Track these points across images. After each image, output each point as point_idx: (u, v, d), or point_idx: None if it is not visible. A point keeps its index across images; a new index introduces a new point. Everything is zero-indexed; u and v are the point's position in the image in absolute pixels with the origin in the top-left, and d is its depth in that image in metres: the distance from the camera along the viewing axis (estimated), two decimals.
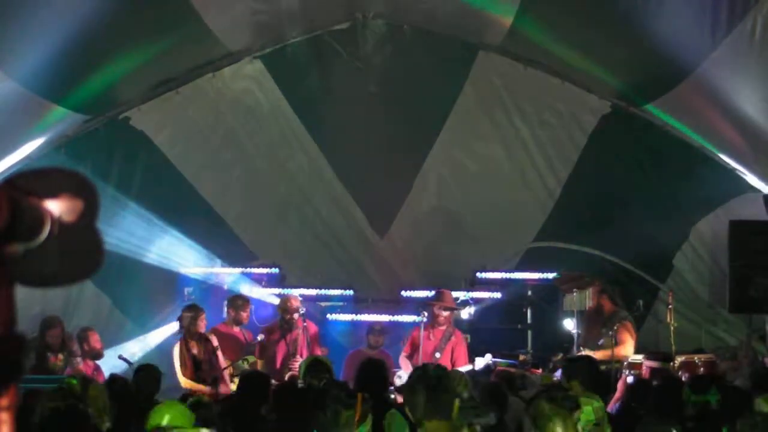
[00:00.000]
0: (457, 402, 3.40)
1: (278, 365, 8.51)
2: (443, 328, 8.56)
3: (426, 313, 8.59)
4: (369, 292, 10.24)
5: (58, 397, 4.21)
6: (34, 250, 1.23)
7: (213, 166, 10.12)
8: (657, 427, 3.72)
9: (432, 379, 3.46)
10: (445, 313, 8.54)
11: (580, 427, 4.09)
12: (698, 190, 9.31)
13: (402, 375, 8.40)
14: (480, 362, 8.23)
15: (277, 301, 9.53)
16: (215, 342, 8.21)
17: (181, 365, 8.12)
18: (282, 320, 8.74)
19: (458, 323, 9.18)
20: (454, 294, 9.36)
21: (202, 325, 8.23)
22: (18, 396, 1.22)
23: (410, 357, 8.62)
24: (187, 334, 8.22)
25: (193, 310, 8.31)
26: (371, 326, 9.32)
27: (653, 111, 8.91)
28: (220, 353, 8.20)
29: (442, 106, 9.83)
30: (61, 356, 8.63)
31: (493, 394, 5.48)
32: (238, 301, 8.97)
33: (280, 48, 9.60)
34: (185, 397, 5.78)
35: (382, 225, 10.31)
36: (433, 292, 8.97)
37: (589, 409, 4.20)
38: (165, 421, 4.32)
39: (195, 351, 8.18)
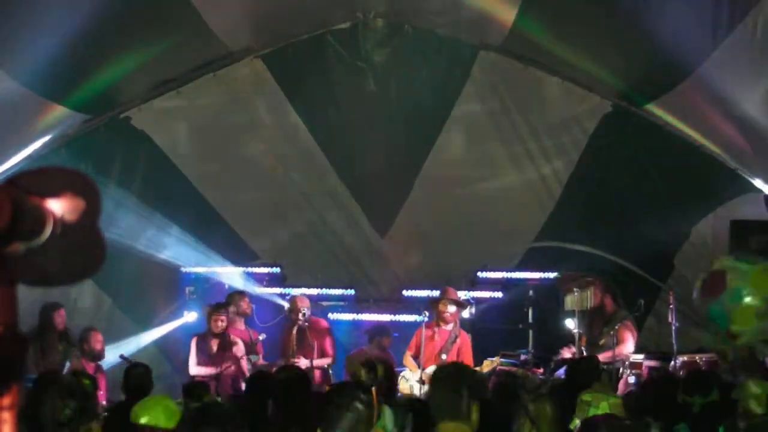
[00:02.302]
0: (476, 406, 3.37)
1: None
2: (449, 328, 8.48)
3: (428, 313, 8.54)
4: (370, 292, 10.26)
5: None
6: (36, 249, 1.23)
7: (214, 165, 10.13)
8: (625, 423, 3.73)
9: (454, 381, 3.42)
10: (452, 310, 8.44)
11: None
12: (699, 190, 9.32)
13: (407, 375, 8.37)
14: (487, 366, 8.16)
15: (278, 300, 9.57)
16: (239, 347, 8.46)
17: (196, 356, 8.48)
18: (289, 319, 8.83)
19: (459, 323, 9.17)
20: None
21: (216, 325, 8.43)
22: (20, 395, 1.22)
23: (415, 357, 8.58)
24: (207, 329, 8.54)
25: (212, 307, 8.63)
26: (383, 328, 9.20)
27: (654, 111, 8.90)
28: (243, 358, 8.41)
29: (442, 106, 9.83)
30: (60, 348, 8.65)
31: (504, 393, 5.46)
32: (234, 297, 9.03)
33: (281, 48, 9.60)
34: (198, 393, 5.74)
35: (383, 225, 10.31)
36: (433, 292, 8.95)
37: (605, 405, 4.22)
38: (143, 420, 4.29)
39: (212, 346, 8.43)
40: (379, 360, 5.61)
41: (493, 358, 8.22)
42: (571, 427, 4.31)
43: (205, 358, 8.40)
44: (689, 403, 4.98)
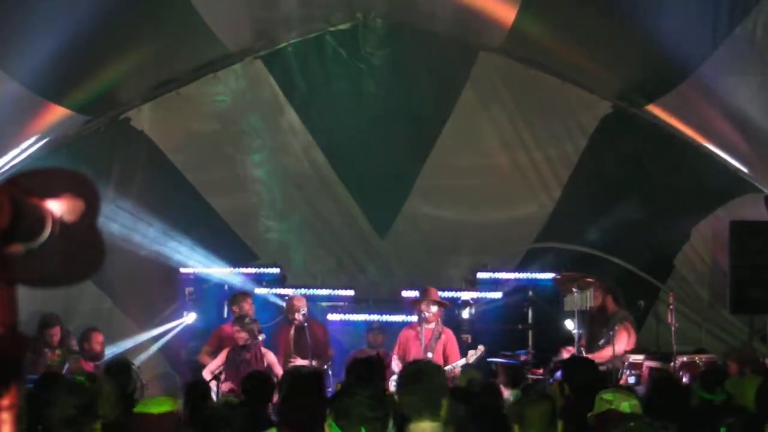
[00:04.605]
0: (445, 401, 3.41)
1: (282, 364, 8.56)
2: (431, 326, 8.47)
3: (426, 313, 8.54)
4: (369, 292, 10.25)
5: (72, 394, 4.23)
6: (36, 250, 1.23)
7: (213, 166, 10.13)
8: (630, 421, 3.76)
9: (422, 377, 3.47)
10: (433, 309, 8.45)
11: None
12: (699, 191, 9.32)
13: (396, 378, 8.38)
14: (472, 355, 8.21)
15: (278, 300, 9.57)
16: (270, 358, 8.32)
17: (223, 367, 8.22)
18: (286, 320, 8.82)
19: (459, 323, 9.18)
20: (455, 294, 9.38)
21: (240, 337, 8.26)
22: (20, 395, 1.22)
23: (402, 358, 8.60)
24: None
25: (234, 319, 8.55)
26: (370, 324, 9.33)
27: (654, 111, 8.90)
28: (274, 364, 8.28)
29: (442, 107, 9.83)
30: (58, 352, 8.66)
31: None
32: (237, 297, 9.03)
33: (280, 48, 9.60)
34: (199, 392, 5.75)
35: (382, 225, 10.31)
36: None
37: (626, 405, 4.25)
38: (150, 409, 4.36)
39: (247, 357, 8.23)
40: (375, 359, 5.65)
41: (475, 349, 8.24)
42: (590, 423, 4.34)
43: (232, 371, 8.14)
44: (708, 399, 4.99)
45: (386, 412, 3.24)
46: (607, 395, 4.37)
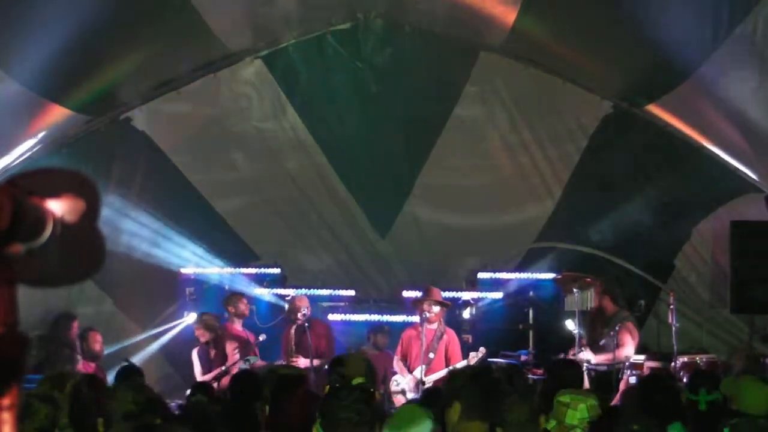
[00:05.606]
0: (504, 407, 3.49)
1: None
2: (434, 327, 8.47)
3: (428, 314, 8.54)
4: (370, 293, 10.26)
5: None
6: (36, 250, 1.23)
7: (214, 166, 10.13)
8: (633, 423, 3.76)
9: (490, 381, 3.54)
10: (435, 309, 8.44)
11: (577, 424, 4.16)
12: (700, 191, 9.31)
13: (398, 380, 8.37)
14: (474, 357, 8.21)
15: (278, 300, 9.60)
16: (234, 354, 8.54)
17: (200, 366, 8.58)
18: (288, 320, 8.85)
19: (459, 323, 9.19)
20: (456, 294, 9.38)
21: (201, 334, 8.59)
22: (20, 395, 1.22)
23: (403, 359, 8.60)
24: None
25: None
26: (379, 326, 9.30)
27: (654, 111, 8.90)
28: (228, 348, 8.42)
29: (443, 106, 9.82)
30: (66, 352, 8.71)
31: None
32: (231, 298, 9.06)
33: (281, 48, 9.59)
34: (203, 391, 5.77)
35: (383, 225, 10.32)
36: None
37: (583, 407, 4.24)
38: None
39: (211, 355, 8.51)
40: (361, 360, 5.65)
41: (477, 351, 8.23)
42: (549, 427, 4.31)
43: (205, 370, 8.48)
44: (694, 401, 4.99)
45: (374, 416, 3.24)
46: (564, 397, 4.35)
